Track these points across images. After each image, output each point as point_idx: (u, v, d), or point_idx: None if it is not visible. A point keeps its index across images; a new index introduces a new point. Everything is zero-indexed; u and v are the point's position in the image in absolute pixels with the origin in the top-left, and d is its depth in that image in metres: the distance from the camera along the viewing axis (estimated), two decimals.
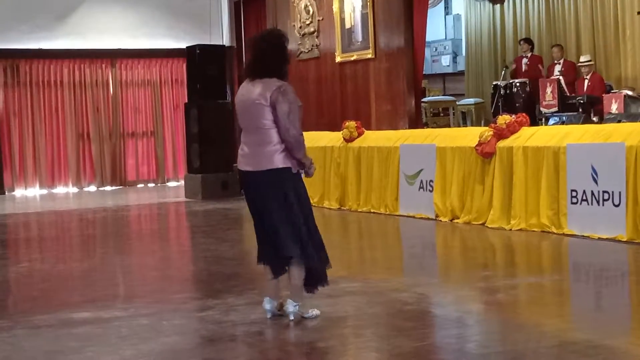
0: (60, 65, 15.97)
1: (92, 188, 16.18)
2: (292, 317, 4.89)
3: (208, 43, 15.47)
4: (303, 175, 4.93)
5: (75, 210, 12.71)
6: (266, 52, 4.87)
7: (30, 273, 7.22)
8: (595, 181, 7.66)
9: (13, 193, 15.56)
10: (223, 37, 16.60)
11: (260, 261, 5.10)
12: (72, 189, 16.03)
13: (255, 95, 4.81)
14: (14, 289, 6.75)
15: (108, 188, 16.23)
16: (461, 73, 14.79)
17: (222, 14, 16.74)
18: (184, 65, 15.28)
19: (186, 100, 14.73)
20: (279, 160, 4.78)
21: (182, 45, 15.36)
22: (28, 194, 15.64)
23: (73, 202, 14.24)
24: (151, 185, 16.67)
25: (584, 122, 10.02)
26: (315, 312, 5.00)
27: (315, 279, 4.97)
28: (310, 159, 4.93)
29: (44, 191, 15.79)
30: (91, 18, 16.07)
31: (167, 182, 16.78)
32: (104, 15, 16.16)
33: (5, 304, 6.15)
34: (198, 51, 13.92)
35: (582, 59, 11.50)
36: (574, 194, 7.88)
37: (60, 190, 15.96)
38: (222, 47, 15.26)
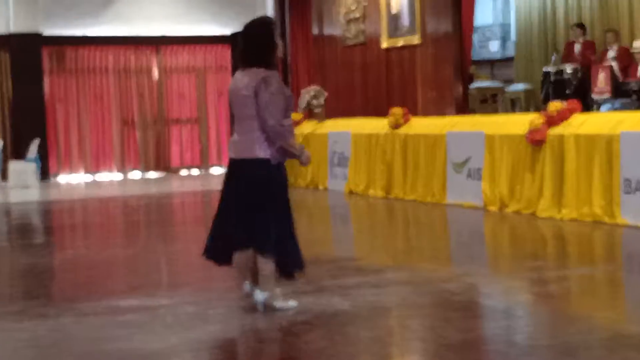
0: (105, 51, 16.11)
1: (136, 174, 16.31)
2: (260, 307, 4.86)
3: None
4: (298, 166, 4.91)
5: (120, 197, 12.81)
6: (253, 41, 4.87)
7: (76, 260, 7.27)
8: None
9: (58, 179, 15.76)
10: None
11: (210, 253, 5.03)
12: (116, 175, 16.17)
13: (242, 85, 4.86)
14: (60, 276, 6.79)
15: (152, 174, 16.34)
16: (510, 59, 14.52)
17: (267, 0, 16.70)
18: (229, 52, 15.28)
19: None
20: (258, 150, 4.80)
21: (227, 31, 15.38)
22: (72, 180, 15.81)
23: (117, 188, 14.37)
24: (195, 171, 16.74)
25: (638, 109, 9.76)
26: (291, 303, 4.92)
27: (289, 265, 4.92)
28: (301, 146, 4.91)
29: (89, 177, 15.95)
30: (136, 5, 16.17)
31: (211, 168, 16.83)
32: (149, 1, 16.26)
33: (52, 291, 6.21)
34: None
35: (635, 44, 11.19)
36: (627, 183, 7.68)
37: (104, 176, 16.10)
38: None
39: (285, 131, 4.79)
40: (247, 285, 5.02)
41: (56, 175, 15.83)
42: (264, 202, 4.80)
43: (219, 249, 4.99)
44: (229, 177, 4.97)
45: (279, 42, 4.94)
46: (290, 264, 4.95)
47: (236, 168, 4.90)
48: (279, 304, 4.89)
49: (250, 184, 4.80)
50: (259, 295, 4.88)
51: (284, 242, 4.88)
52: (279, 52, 4.93)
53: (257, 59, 4.84)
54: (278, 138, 4.78)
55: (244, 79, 4.86)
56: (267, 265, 4.86)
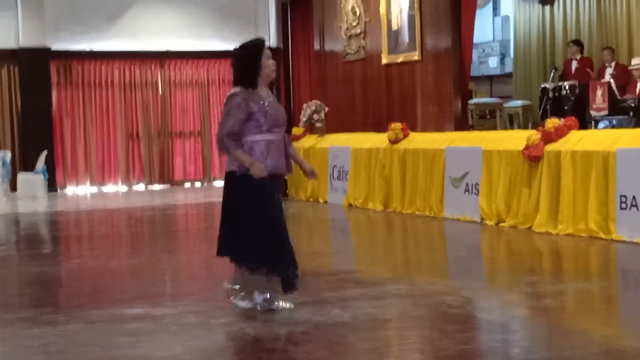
0: (111, 65, 16.27)
1: (141, 186, 16.44)
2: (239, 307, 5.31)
3: None
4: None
5: (125, 208, 12.94)
6: (235, 63, 5.30)
7: (82, 269, 7.39)
8: None
9: (65, 190, 15.91)
10: (270, 38, 16.72)
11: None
12: (122, 187, 16.31)
13: None
14: (68, 285, 6.92)
15: (156, 186, 16.47)
16: (508, 75, 14.67)
17: (269, 15, 16.87)
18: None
19: None
20: (228, 163, 5.26)
21: (230, 46, 15.38)
22: (79, 191, 15.96)
23: (122, 200, 14.49)
24: (198, 184, 16.86)
25: (634, 126, 9.88)
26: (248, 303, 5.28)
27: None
28: (250, 160, 5.10)
29: (94, 189, 16.09)
30: (141, 20, 16.35)
31: (214, 181, 16.96)
32: (153, 17, 16.43)
33: (60, 299, 6.35)
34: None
35: (633, 62, 11.32)
36: (623, 199, 7.77)
37: (109, 188, 16.24)
38: (269, 49, 15.36)
39: (225, 142, 5.10)
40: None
41: (63, 186, 15.97)
42: (235, 212, 5.19)
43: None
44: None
45: (268, 62, 5.21)
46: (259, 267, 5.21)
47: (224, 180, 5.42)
48: (240, 302, 5.29)
49: (226, 196, 5.28)
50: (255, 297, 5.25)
51: (260, 253, 5.14)
52: (268, 72, 5.21)
53: (237, 80, 5.22)
54: (221, 149, 5.19)
55: None
56: (242, 272, 5.27)
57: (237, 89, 5.18)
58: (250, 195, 5.14)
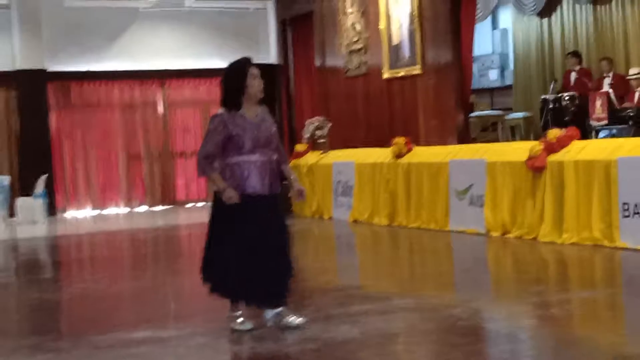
0: (110, 86, 16.24)
1: (143, 208, 16.40)
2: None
3: (256, 62, 15.61)
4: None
5: (127, 230, 12.92)
6: (221, 85, 5.31)
7: (86, 294, 7.33)
8: None
9: (65, 214, 15.80)
10: (271, 55, 16.77)
11: None
12: (123, 210, 16.26)
13: None
14: (71, 310, 6.87)
15: (158, 208, 16.43)
16: (509, 87, 14.70)
17: (269, 32, 16.92)
18: None
19: None
20: (211, 184, 5.32)
21: None
22: (79, 215, 15.87)
23: (124, 222, 14.45)
24: (200, 204, 16.85)
25: (634, 135, 9.90)
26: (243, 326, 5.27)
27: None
28: (223, 185, 5.12)
29: (96, 212, 16.02)
30: (140, 39, 16.34)
31: None
32: (152, 36, 16.43)
33: (64, 325, 6.30)
34: None
35: (631, 71, 11.36)
36: (625, 207, 7.80)
37: (111, 210, 16.19)
38: (269, 66, 15.44)
39: (202, 161, 5.16)
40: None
41: (63, 210, 15.86)
42: (210, 229, 5.26)
43: None
44: None
45: (254, 82, 5.21)
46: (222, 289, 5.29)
47: None
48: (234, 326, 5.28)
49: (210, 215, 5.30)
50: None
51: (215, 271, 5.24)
52: (253, 92, 5.21)
53: (221, 101, 5.26)
54: (199, 172, 5.23)
55: None
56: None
57: (220, 111, 5.20)
58: (222, 217, 5.19)
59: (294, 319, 5.20)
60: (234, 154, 5.14)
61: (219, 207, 5.19)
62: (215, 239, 5.23)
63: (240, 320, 5.28)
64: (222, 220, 5.19)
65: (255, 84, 5.21)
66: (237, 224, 5.14)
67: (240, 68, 5.24)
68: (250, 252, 5.13)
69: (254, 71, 5.25)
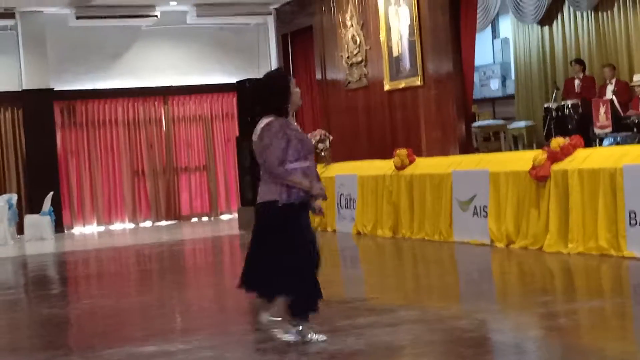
0: (114, 104, 16.36)
1: (148, 223, 16.44)
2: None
3: (257, 76, 15.71)
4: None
5: (132, 246, 12.94)
6: (259, 96, 5.21)
7: (93, 309, 7.37)
8: None
9: (72, 231, 15.92)
10: (271, 69, 16.80)
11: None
12: (129, 225, 16.32)
13: (255, 135, 5.19)
14: (79, 326, 6.88)
15: (163, 223, 16.47)
16: (510, 96, 14.71)
17: (270, 47, 16.98)
18: (234, 99, 15.53)
19: (237, 134, 14.94)
20: (266, 193, 5.14)
21: (232, 79, 15.62)
22: (86, 231, 15.96)
23: (130, 237, 14.50)
24: (205, 219, 16.87)
25: (639, 142, 9.88)
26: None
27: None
28: (308, 182, 5.12)
29: (102, 228, 16.10)
30: (143, 57, 16.47)
31: (221, 215, 16.96)
32: (155, 53, 16.55)
33: (72, 340, 6.31)
34: (248, 85, 14.16)
35: (635, 78, 11.35)
36: (632, 215, 7.75)
37: (117, 226, 16.25)
38: None
39: (280, 172, 5.06)
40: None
41: (70, 227, 15.97)
42: (270, 242, 5.12)
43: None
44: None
45: (296, 89, 5.22)
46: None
47: (259, 212, 5.22)
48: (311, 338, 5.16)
49: (260, 227, 5.15)
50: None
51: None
52: (296, 99, 5.22)
53: (268, 109, 5.13)
54: (279, 178, 5.06)
55: (256, 129, 5.18)
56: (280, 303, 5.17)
57: (271, 118, 5.11)
58: (297, 225, 5.14)
59: (317, 336, 5.13)
60: (293, 159, 5.10)
61: (276, 216, 5.10)
62: (280, 249, 5.09)
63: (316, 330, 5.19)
64: (294, 229, 5.13)
65: (297, 92, 5.25)
66: (303, 230, 5.16)
67: (284, 76, 5.26)
68: (311, 257, 5.17)
69: (294, 80, 5.30)
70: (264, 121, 5.11)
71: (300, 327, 5.14)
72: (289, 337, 5.13)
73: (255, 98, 5.23)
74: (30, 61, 15.57)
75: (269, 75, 5.28)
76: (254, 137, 5.18)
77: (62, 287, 9.41)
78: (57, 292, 8.87)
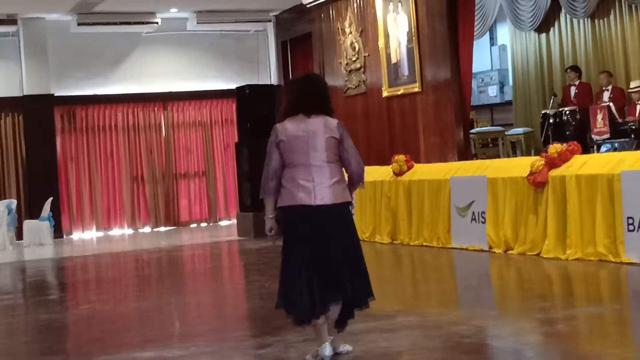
0: (114, 109, 16.37)
1: (147, 229, 16.44)
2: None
3: (257, 83, 15.78)
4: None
5: (131, 251, 12.93)
6: (322, 91, 5.04)
7: (91, 315, 7.37)
8: None
9: (71, 236, 15.91)
10: (271, 76, 16.87)
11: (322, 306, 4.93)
12: (128, 231, 16.32)
13: (321, 129, 4.89)
14: (77, 331, 6.88)
15: (162, 228, 16.47)
16: (509, 103, 14.76)
17: (269, 53, 17.02)
18: (234, 106, 15.55)
19: (237, 140, 14.96)
20: (340, 195, 4.92)
21: (232, 85, 15.65)
22: (85, 236, 15.96)
23: (129, 243, 14.50)
24: (204, 224, 16.87)
25: (636, 148, 9.91)
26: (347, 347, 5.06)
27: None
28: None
29: (101, 233, 16.10)
30: (143, 63, 16.49)
31: (220, 221, 16.96)
32: (155, 59, 16.58)
33: (69, 346, 6.32)
34: (247, 91, 14.20)
35: (632, 84, 11.39)
36: (630, 221, 7.77)
37: (116, 232, 16.26)
38: (270, 87, 15.54)
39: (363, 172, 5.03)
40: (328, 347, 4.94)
41: (69, 232, 15.96)
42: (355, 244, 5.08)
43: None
44: (317, 226, 4.90)
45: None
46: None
47: (329, 213, 4.91)
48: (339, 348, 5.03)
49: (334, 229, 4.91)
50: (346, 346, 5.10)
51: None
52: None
53: (326, 108, 4.98)
54: (361, 179, 5.01)
55: (319, 124, 4.91)
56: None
57: (335, 119, 5.03)
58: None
59: (344, 347, 5.06)
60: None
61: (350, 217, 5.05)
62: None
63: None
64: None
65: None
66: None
67: (322, 78, 5.24)
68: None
69: None
70: (330, 119, 4.94)
71: (331, 339, 4.98)
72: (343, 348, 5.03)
73: (320, 94, 4.99)
74: (31, 67, 15.59)
75: (318, 77, 5.27)
76: (320, 132, 4.86)
77: (60, 292, 9.40)
78: (55, 298, 8.86)
